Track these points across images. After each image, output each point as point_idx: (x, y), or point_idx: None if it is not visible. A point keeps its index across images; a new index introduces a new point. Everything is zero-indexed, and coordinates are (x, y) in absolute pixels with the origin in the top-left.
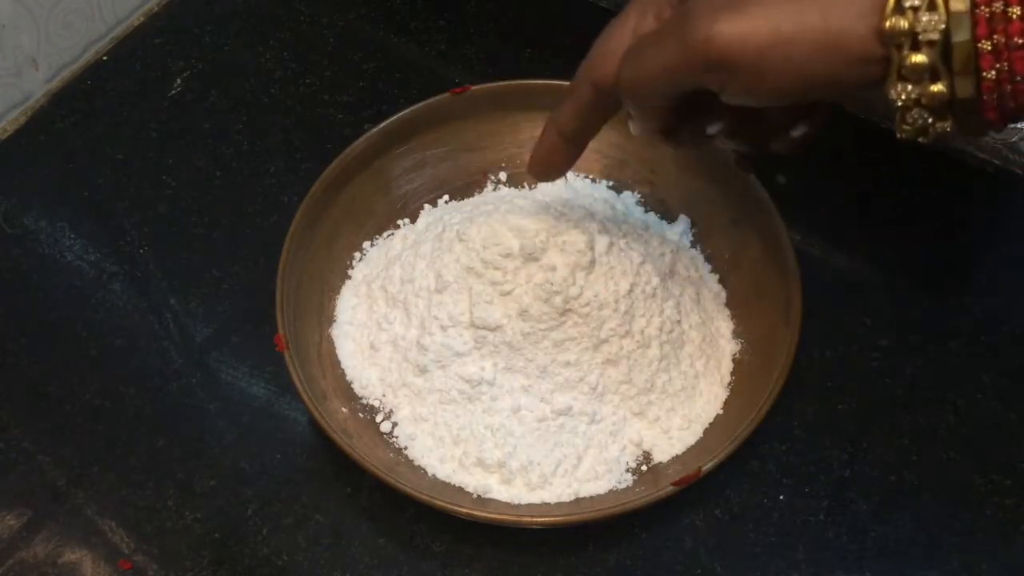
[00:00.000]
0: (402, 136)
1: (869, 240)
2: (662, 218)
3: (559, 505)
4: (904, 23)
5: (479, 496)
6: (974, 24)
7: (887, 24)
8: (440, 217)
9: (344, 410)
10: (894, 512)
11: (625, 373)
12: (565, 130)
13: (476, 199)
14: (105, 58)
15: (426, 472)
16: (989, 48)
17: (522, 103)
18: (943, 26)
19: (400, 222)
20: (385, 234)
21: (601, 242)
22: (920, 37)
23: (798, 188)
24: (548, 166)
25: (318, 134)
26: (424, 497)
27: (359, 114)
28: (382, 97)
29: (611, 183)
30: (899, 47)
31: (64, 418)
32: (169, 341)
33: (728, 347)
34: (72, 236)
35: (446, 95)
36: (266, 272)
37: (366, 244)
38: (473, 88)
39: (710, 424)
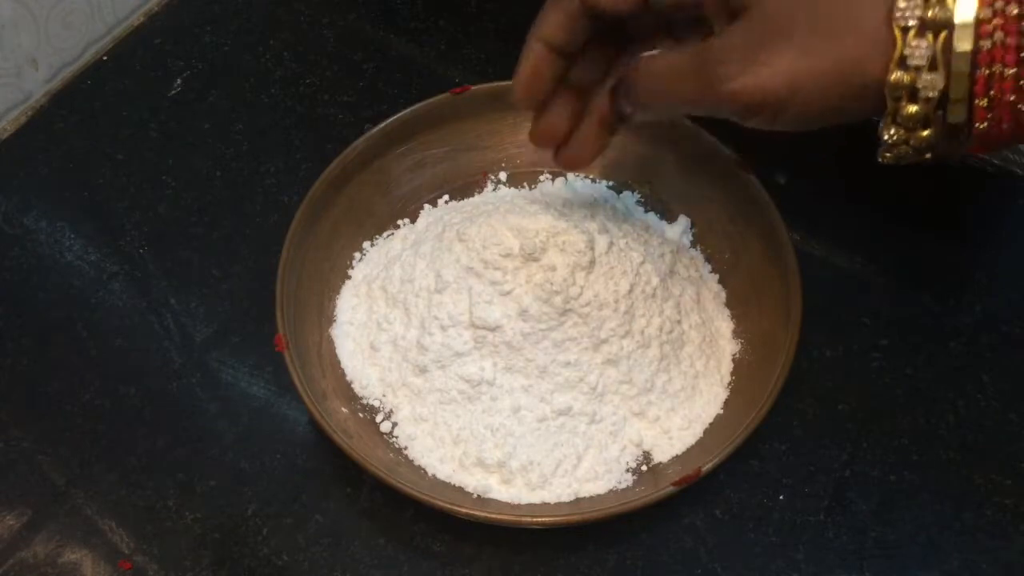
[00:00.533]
0: (402, 136)
1: (869, 240)
2: (662, 218)
3: (559, 505)
4: (906, 78)
5: (479, 496)
6: (972, 83)
7: (891, 77)
8: (440, 217)
9: (344, 410)
10: (894, 512)
11: (625, 373)
12: (553, 40)
13: (476, 199)
14: (105, 58)
15: (426, 472)
16: (984, 104)
17: None
18: (942, 85)
19: (400, 222)
20: (385, 234)
21: (601, 242)
22: (919, 94)
23: (798, 188)
24: (536, 81)
25: (318, 134)
26: (424, 497)
27: (359, 114)
28: (382, 97)
29: (611, 183)
30: (897, 99)
31: (64, 418)
32: (169, 341)
33: (728, 347)
34: (72, 236)
35: (446, 95)
36: (266, 272)
37: (366, 244)
38: (473, 88)
39: (710, 424)
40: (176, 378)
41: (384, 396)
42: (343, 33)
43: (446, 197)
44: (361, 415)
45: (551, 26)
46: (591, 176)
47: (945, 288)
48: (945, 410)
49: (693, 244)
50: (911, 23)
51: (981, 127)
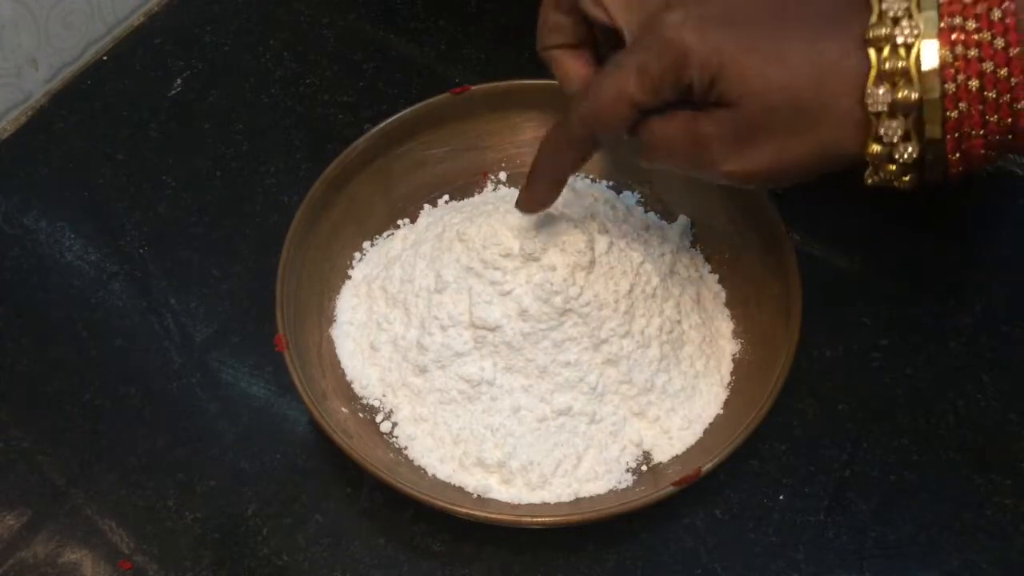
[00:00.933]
0: (402, 136)
1: (869, 240)
2: (662, 218)
3: (559, 505)
4: (883, 150)
5: (479, 496)
6: (945, 146)
7: (869, 151)
8: (440, 217)
9: (344, 410)
10: (894, 512)
11: (625, 373)
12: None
13: (476, 199)
14: (105, 58)
15: (426, 472)
16: (957, 157)
17: (522, 103)
18: (918, 152)
19: (400, 222)
20: (385, 234)
21: (601, 242)
22: (897, 160)
23: (798, 188)
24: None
25: (318, 134)
26: (424, 497)
27: (359, 114)
28: (382, 97)
29: (611, 183)
30: (877, 164)
31: (64, 418)
32: (169, 341)
33: (728, 347)
34: (72, 236)
35: (446, 95)
36: (266, 272)
37: (366, 244)
38: (473, 88)
39: (710, 424)
40: (176, 378)
41: (384, 396)
42: (343, 33)
43: (446, 197)
44: (361, 415)
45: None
46: (591, 176)
47: (945, 288)
48: (945, 410)
49: (693, 244)
50: (882, 108)
51: (956, 171)
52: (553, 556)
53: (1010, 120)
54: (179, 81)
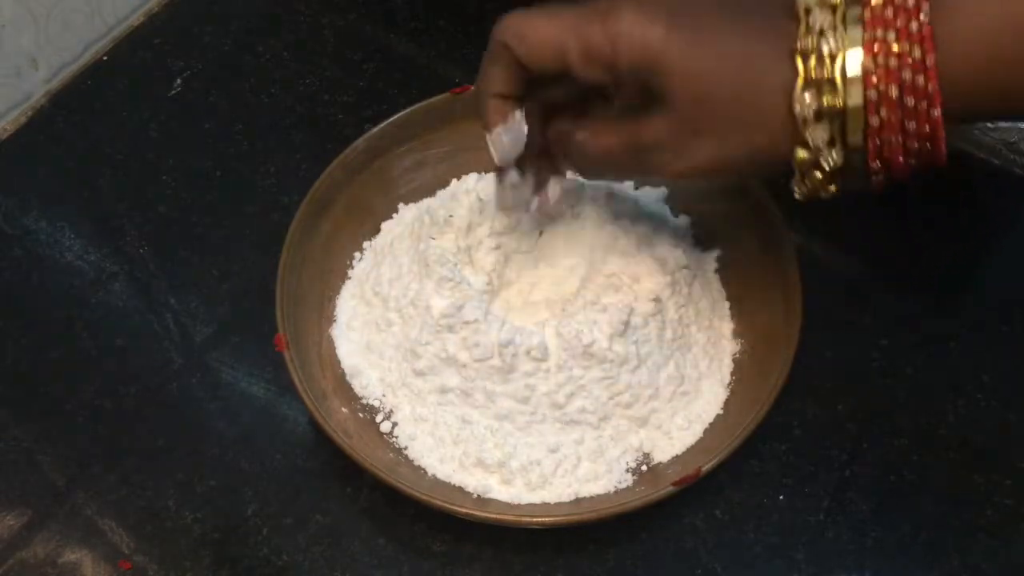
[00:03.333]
0: (402, 136)
1: (869, 240)
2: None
3: (559, 505)
4: (810, 156)
5: (479, 496)
6: (867, 154)
7: (796, 157)
8: (419, 215)
9: (344, 410)
10: (894, 512)
11: (632, 383)
12: (504, 91)
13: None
14: (105, 58)
15: (426, 472)
16: (878, 165)
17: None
18: (842, 160)
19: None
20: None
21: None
22: (823, 166)
23: None
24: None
25: (318, 134)
26: (424, 497)
27: (359, 114)
28: (382, 97)
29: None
30: (804, 171)
31: (64, 418)
32: (169, 341)
33: (728, 347)
34: (72, 236)
35: (446, 95)
36: (266, 272)
37: (366, 244)
38: (473, 88)
39: (710, 424)
40: (176, 378)
41: (384, 396)
42: (343, 33)
43: None
44: (361, 415)
45: (497, 80)
46: None
47: (945, 288)
48: (945, 410)
49: (693, 245)
50: (808, 113)
51: (879, 179)
52: (553, 556)
53: (927, 127)
54: (179, 81)
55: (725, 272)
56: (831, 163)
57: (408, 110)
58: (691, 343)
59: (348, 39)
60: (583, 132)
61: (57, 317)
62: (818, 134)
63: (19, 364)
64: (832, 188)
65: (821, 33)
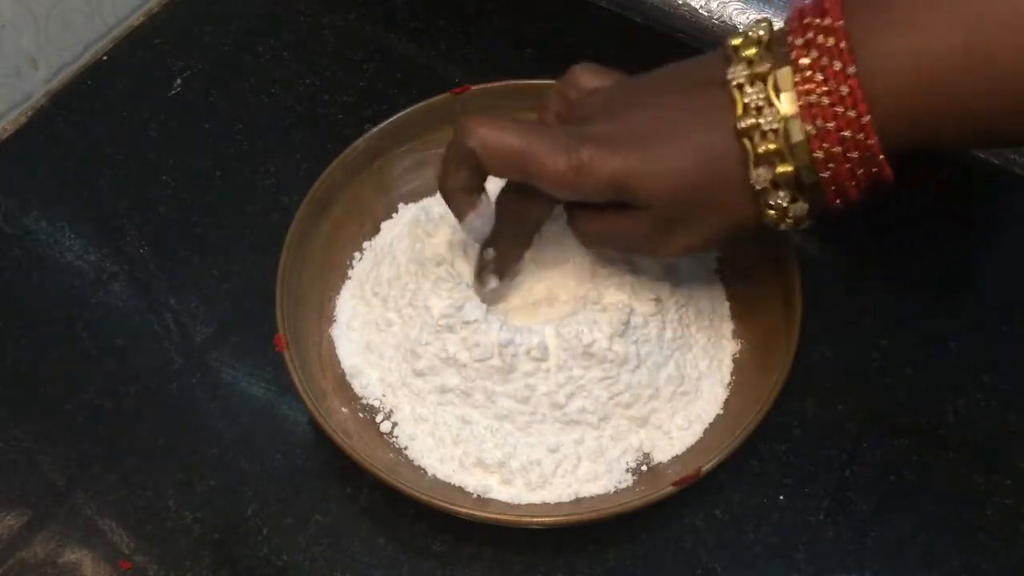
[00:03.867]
0: (402, 136)
1: (869, 240)
2: None
3: (559, 505)
4: (777, 217)
5: (479, 496)
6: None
7: (765, 218)
8: (416, 215)
9: (344, 410)
10: (894, 512)
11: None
12: (467, 187)
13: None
14: (105, 58)
15: (426, 472)
16: (814, 132)
17: (522, 103)
18: (805, 213)
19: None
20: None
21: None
22: (790, 222)
23: None
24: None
25: (318, 134)
26: (424, 497)
27: (359, 114)
28: (382, 97)
29: None
30: (775, 224)
31: (64, 418)
32: (169, 341)
33: (728, 347)
34: (72, 236)
35: (446, 95)
36: (266, 272)
37: (366, 244)
38: (473, 88)
39: (710, 424)
40: (176, 378)
41: (384, 396)
42: (343, 33)
43: None
44: (361, 415)
45: (462, 179)
46: None
47: (945, 288)
48: (945, 410)
49: None
50: (765, 185)
51: (842, 208)
52: (553, 556)
53: (874, 170)
54: (179, 81)
55: (725, 272)
56: (797, 214)
57: (408, 110)
58: (691, 343)
59: (348, 39)
60: (579, 214)
61: (57, 317)
62: (780, 198)
63: (19, 364)
64: (805, 224)
65: (758, 110)
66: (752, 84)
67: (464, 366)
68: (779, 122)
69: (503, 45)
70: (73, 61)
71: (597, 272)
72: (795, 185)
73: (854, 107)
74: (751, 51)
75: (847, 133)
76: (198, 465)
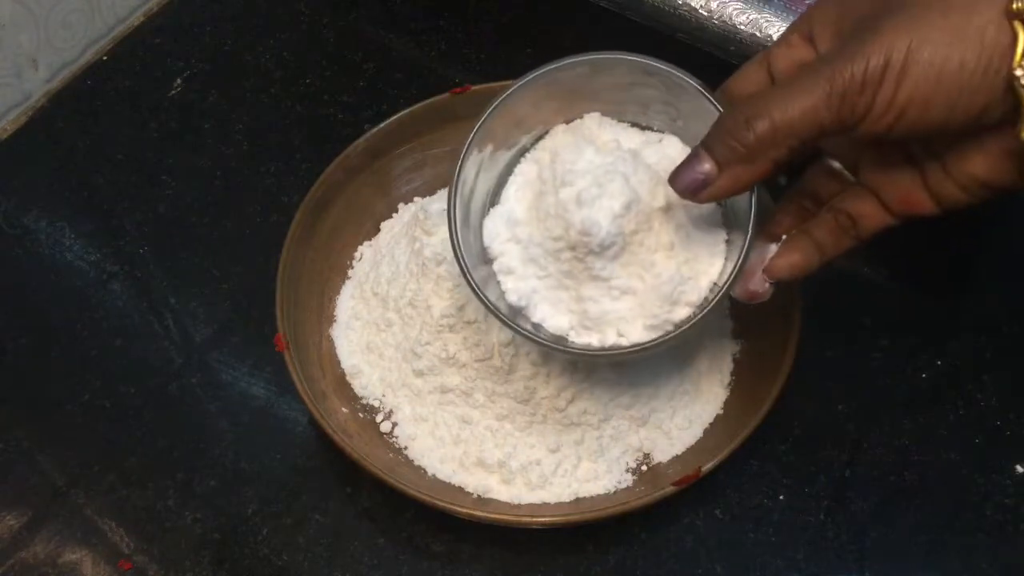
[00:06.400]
0: (402, 136)
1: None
2: None
3: (559, 505)
4: None
5: (479, 496)
6: None
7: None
8: (414, 214)
9: (344, 410)
10: (894, 512)
11: (628, 383)
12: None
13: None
14: (105, 58)
15: (426, 472)
16: None
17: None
18: None
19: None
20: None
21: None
22: None
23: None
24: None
25: (318, 134)
26: (424, 497)
27: (359, 114)
28: (382, 97)
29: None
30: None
31: (64, 418)
32: (169, 341)
33: (728, 347)
34: (72, 236)
35: (446, 95)
36: (266, 272)
37: (366, 244)
38: (473, 88)
39: (710, 424)
40: (176, 378)
41: (384, 396)
42: (343, 33)
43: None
44: (361, 415)
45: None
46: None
47: (945, 288)
48: (945, 410)
49: None
50: None
51: None
52: (553, 556)
53: None
54: (179, 81)
55: None
56: None
57: (408, 110)
58: (691, 343)
59: (348, 39)
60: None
61: (57, 317)
62: None
63: (19, 364)
64: None
65: None
66: None
67: (464, 366)
68: None
69: (503, 45)
70: (73, 61)
71: None
72: None
73: None
74: None
75: None
76: (198, 465)
